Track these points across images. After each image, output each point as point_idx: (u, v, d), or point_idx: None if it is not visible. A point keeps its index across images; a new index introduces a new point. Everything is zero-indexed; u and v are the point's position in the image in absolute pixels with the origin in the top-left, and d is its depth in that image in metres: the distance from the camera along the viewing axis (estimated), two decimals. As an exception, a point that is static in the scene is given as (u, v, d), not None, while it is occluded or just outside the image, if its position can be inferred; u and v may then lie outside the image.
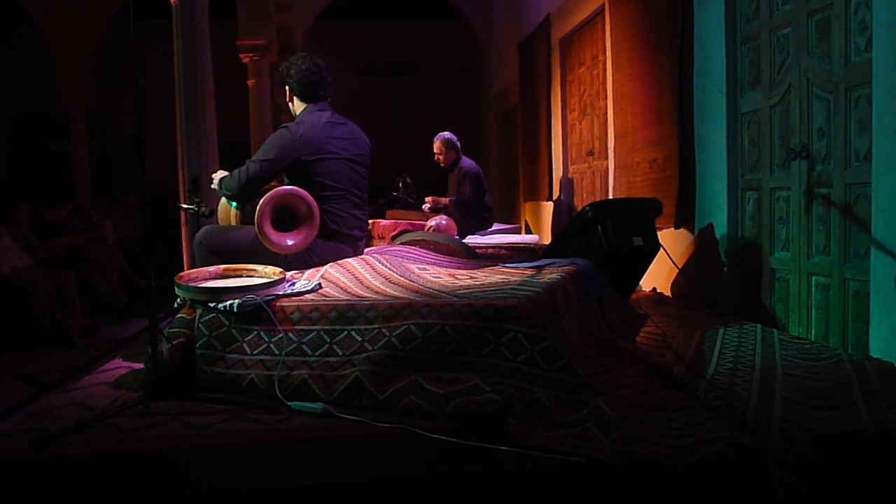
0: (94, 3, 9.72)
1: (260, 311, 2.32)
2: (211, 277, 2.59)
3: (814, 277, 3.02)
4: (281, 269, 2.58)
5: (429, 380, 2.04)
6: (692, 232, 3.91)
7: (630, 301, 3.58)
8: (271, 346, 2.27)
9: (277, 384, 2.14)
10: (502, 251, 4.56)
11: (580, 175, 6.13)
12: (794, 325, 3.14)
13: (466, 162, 5.69)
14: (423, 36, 11.92)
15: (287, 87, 3.13)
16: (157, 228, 7.85)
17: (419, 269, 2.94)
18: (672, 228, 4.00)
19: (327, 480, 1.62)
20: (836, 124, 2.82)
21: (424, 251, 3.32)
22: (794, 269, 3.14)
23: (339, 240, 2.98)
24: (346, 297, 2.41)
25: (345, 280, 2.62)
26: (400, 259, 2.98)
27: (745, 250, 3.54)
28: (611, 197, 5.04)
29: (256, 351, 2.28)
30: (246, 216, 3.01)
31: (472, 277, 2.83)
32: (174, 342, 2.34)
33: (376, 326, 2.20)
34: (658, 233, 3.63)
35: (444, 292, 2.44)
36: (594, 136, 5.71)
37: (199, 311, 2.40)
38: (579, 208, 5.22)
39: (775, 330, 3.02)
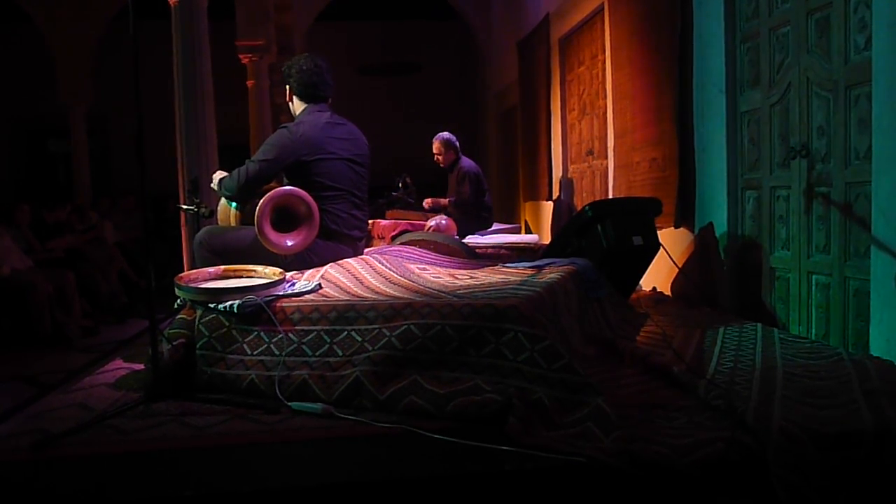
0: (93, 4, 9.72)
1: (260, 311, 2.32)
2: (211, 278, 2.59)
3: (814, 276, 3.02)
4: (281, 270, 2.58)
5: (429, 380, 2.04)
6: (692, 231, 3.91)
7: (630, 300, 3.58)
8: (271, 346, 2.27)
9: (278, 384, 2.14)
10: (502, 251, 4.55)
11: (580, 175, 6.13)
12: (795, 324, 3.14)
13: (466, 162, 5.69)
14: (422, 36, 11.92)
15: (287, 87, 3.13)
16: (156, 229, 7.85)
17: (419, 269, 2.94)
18: (672, 228, 4.00)
19: (328, 480, 1.62)
20: (835, 123, 2.82)
21: (424, 251, 3.32)
22: (794, 268, 3.14)
23: (339, 240, 2.98)
24: (346, 298, 2.41)
25: (345, 280, 2.62)
26: (400, 259, 2.98)
27: (745, 249, 3.54)
28: (610, 196, 5.04)
29: (257, 351, 2.28)
30: (246, 217, 3.01)
31: (472, 277, 2.83)
32: (174, 343, 2.34)
33: (376, 326, 2.20)
34: (658, 232, 3.63)
35: (444, 292, 2.44)
36: (594, 136, 5.71)
37: (199, 312, 2.40)
38: (579, 208, 5.22)
39: (776, 329, 3.02)
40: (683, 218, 3.96)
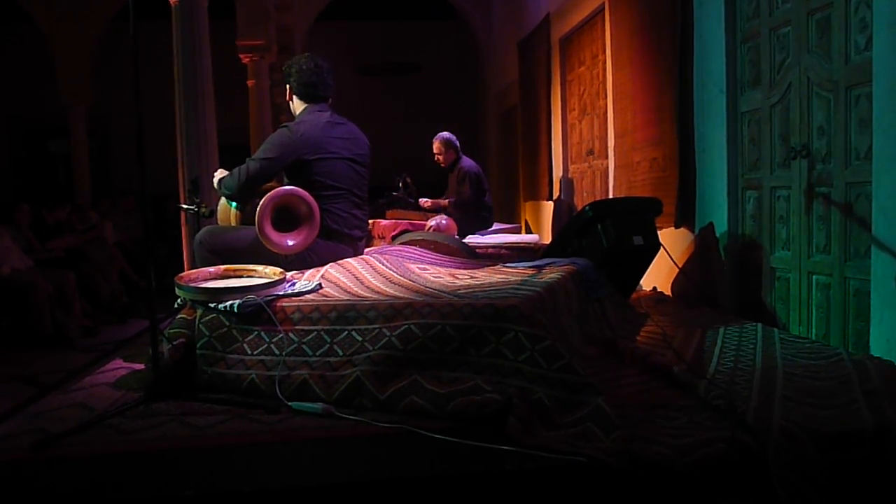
0: (93, 4, 9.72)
1: (260, 311, 2.32)
2: (211, 278, 2.59)
3: (814, 276, 3.02)
4: (281, 270, 2.58)
5: (429, 379, 2.04)
6: (692, 231, 3.91)
7: (630, 300, 3.57)
8: (272, 346, 2.27)
9: (278, 384, 2.14)
10: (502, 251, 4.56)
11: (580, 174, 6.13)
12: (795, 324, 3.14)
13: (466, 162, 5.69)
14: (422, 36, 11.92)
15: (287, 87, 3.13)
16: (156, 229, 7.85)
17: (419, 268, 2.94)
18: (672, 227, 4.00)
19: (328, 480, 1.62)
20: (836, 123, 2.82)
21: (425, 251, 3.32)
22: (794, 268, 3.14)
23: (340, 240, 2.98)
24: (346, 298, 2.41)
25: (345, 280, 2.62)
26: (400, 259, 2.98)
27: (746, 249, 3.54)
28: (611, 196, 5.04)
29: (257, 351, 2.28)
30: (246, 216, 3.01)
31: (472, 277, 2.83)
32: (175, 343, 2.34)
33: (377, 326, 2.20)
34: (658, 232, 3.63)
35: (444, 292, 2.44)
36: (594, 136, 5.71)
37: (199, 312, 2.39)
38: (579, 208, 5.22)
39: (776, 329, 3.02)
40: (684, 218, 3.96)
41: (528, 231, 7.49)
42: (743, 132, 3.53)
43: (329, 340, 2.23)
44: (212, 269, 2.65)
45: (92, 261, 6.57)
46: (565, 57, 6.34)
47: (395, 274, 2.74)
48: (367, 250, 3.15)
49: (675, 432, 1.75)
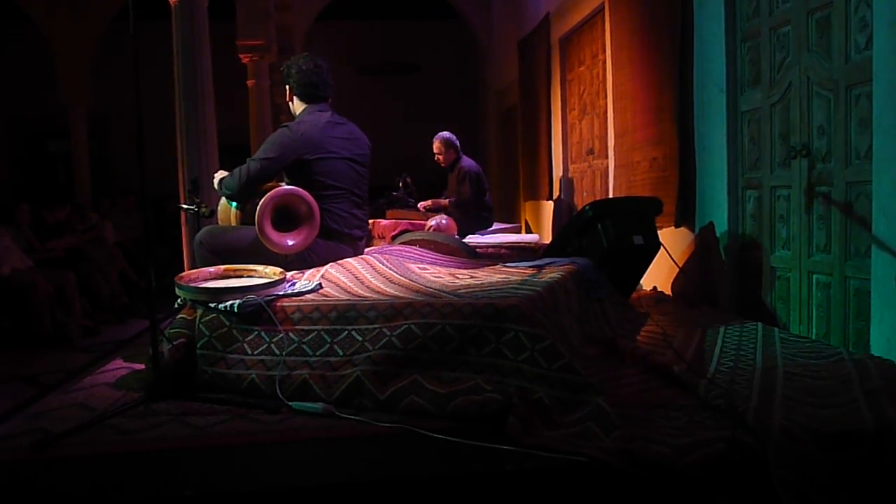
0: (93, 4, 9.72)
1: (260, 311, 2.32)
2: (211, 278, 2.59)
3: (814, 276, 3.02)
4: (281, 270, 2.58)
5: (429, 379, 2.04)
6: (692, 231, 3.91)
7: (630, 300, 3.57)
8: (272, 346, 2.27)
9: (278, 384, 2.14)
10: (503, 250, 4.56)
11: (580, 174, 6.12)
12: (795, 323, 3.14)
13: (466, 161, 5.69)
14: (422, 36, 11.92)
15: (287, 87, 3.13)
16: (156, 229, 7.85)
17: (420, 268, 2.94)
18: (672, 227, 4.00)
19: (328, 480, 1.62)
20: (836, 122, 2.82)
21: (425, 251, 3.32)
22: (794, 267, 3.14)
23: (340, 239, 2.98)
24: (346, 297, 2.41)
25: (345, 280, 2.62)
26: (400, 259, 2.98)
27: (746, 249, 3.53)
28: (611, 196, 5.04)
29: (257, 351, 2.28)
30: (246, 216, 3.01)
31: (472, 277, 2.83)
32: (175, 343, 2.34)
33: (377, 326, 2.20)
34: (658, 231, 3.63)
35: (444, 292, 2.44)
36: (594, 135, 5.71)
37: (199, 312, 2.39)
38: (579, 207, 5.21)
39: (776, 328, 3.02)
40: (684, 217, 3.96)
41: (528, 231, 7.49)
42: (743, 132, 3.53)
43: (329, 340, 2.23)
44: (212, 269, 2.65)
45: (92, 261, 6.57)
46: (565, 56, 6.34)
47: (395, 274, 2.74)
48: (367, 250, 3.15)
49: (676, 432, 1.75)
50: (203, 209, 2.98)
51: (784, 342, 2.72)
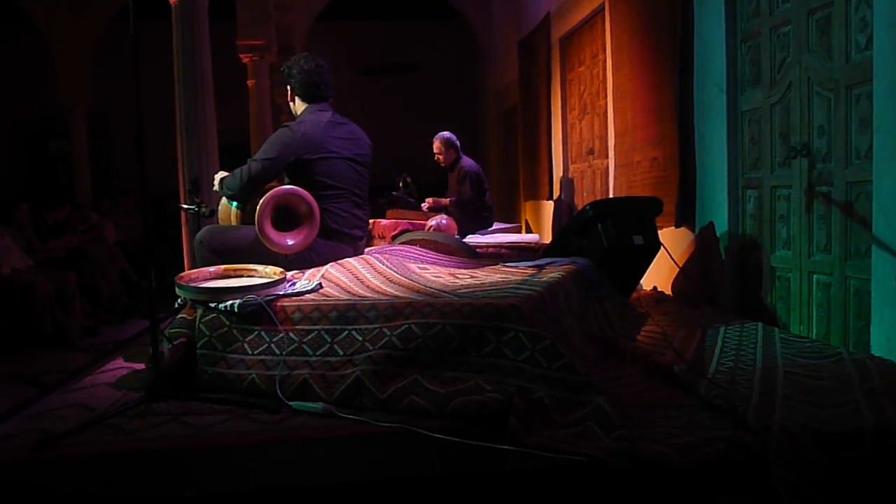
0: (93, 4, 9.72)
1: (261, 311, 2.32)
2: (212, 277, 2.60)
3: (815, 276, 3.02)
4: (281, 269, 2.58)
5: (430, 379, 2.04)
6: (693, 230, 3.90)
7: (631, 300, 3.57)
8: (272, 346, 2.27)
9: (278, 384, 2.14)
10: (503, 250, 4.56)
11: (580, 174, 6.12)
12: (796, 323, 3.14)
13: (466, 161, 5.69)
14: (422, 36, 11.92)
15: (288, 87, 3.14)
16: (156, 229, 7.85)
17: (420, 268, 2.94)
18: (672, 227, 4.00)
19: (328, 480, 1.62)
20: (836, 122, 2.82)
21: (425, 250, 3.32)
22: (794, 267, 3.14)
23: (340, 239, 2.98)
24: (346, 297, 2.41)
25: (345, 280, 2.62)
26: (400, 258, 2.98)
27: (746, 249, 3.53)
28: (611, 196, 5.04)
29: (257, 351, 2.28)
30: (246, 216, 3.01)
31: (472, 277, 2.83)
32: (175, 342, 2.34)
33: (377, 326, 2.20)
34: (658, 231, 3.63)
35: (444, 291, 2.44)
36: (594, 135, 5.71)
37: (199, 312, 2.39)
38: (580, 207, 5.22)
39: (776, 328, 3.02)
40: (684, 217, 3.95)
41: (529, 231, 7.49)
42: (743, 131, 3.53)
43: (329, 340, 2.23)
44: (212, 268, 2.65)
45: (92, 261, 6.57)
46: (565, 56, 6.33)
47: (395, 273, 2.74)
48: (367, 250, 3.15)
49: (676, 432, 1.75)
50: (203, 209, 2.98)
51: (784, 342, 2.72)
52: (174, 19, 4.80)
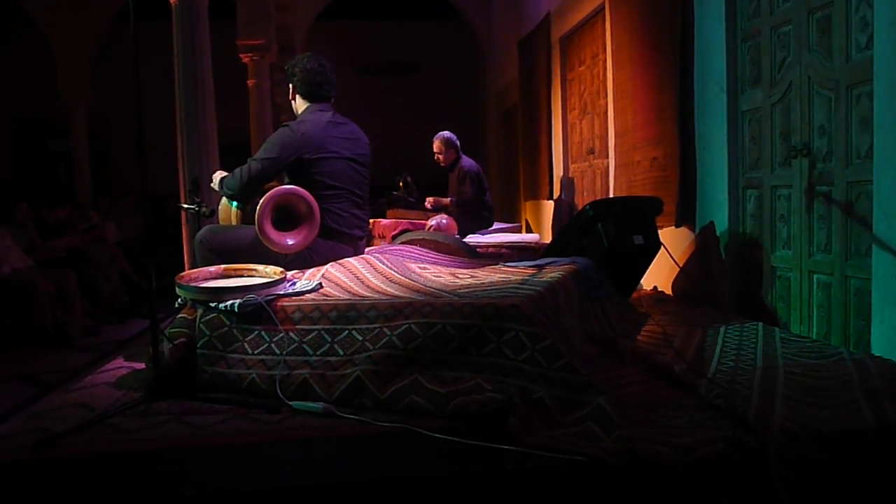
0: (94, 4, 9.72)
1: (261, 310, 2.32)
2: (212, 277, 2.59)
3: (815, 275, 3.02)
4: (282, 269, 2.58)
5: (430, 379, 2.04)
6: (693, 230, 3.90)
7: (631, 300, 3.57)
8: (272, 345, 2.27)
9: (278, 384, 2.14)
10: (503, 250, 4.56)
11: (581, 174, 6.12)
12: (796, 323, 3.14)
13: (466, 161, 5.69)
14: (422, 35, 11.92)
15: (290, 85, 3.14)
16: (156, 228, 7.85)
17: (420, 268, 2.94)
18: (673, 227, 4.00)
19: (328, 480, 1.61)
20: (837, 122, 2.82)
21: (425, 250, 3.32)
22: (795, 267, 3.14)
23: (340, 239, 2.98)
24: (347, 297, 2.41)
25: (346, 279, 2.62)
26: (401, 258, 2.98)
27: (747, 248, 3.53)
28: (611, 195, 5.04)
29: (257, 351, 2.28)
30: (246, 216, 3.01)
31: (472, 276, 2.83)
32: (175, 342, 2.34)
33: (377, 326, 2.20)
34: (659, 231, 3.62)
35: (445, 291, 2.44)
36: (594, 135, 5.71)
37: (199, 311, 2.39)
38: (580, 207, 5.21)
39: (777, 328, 3.02)
40: (684, 217, 3.95)
41: (529, 230, 7.49)
42: (744, 131, 3.53)
43: (329, 340, 2.23)
44: (212, 268, 2.65)
45: (93, 260, 6.57)
46: (566, 56, 6.33)
47: (395, 273, 2.74)
48: (367, 250, 3.15)
49: (676, 432, 1.75)
50: (203, 209, 2.98)
51: (784, 342, 2.72)
52: (174, 19, 4.80)
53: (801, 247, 3.09)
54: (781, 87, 3.20)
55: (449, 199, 5.65)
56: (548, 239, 5.83)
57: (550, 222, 6.70)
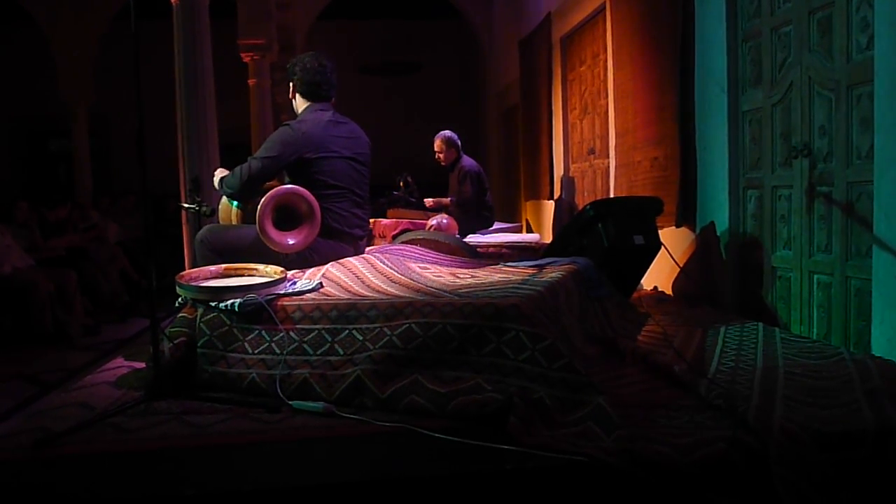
0: (94, 3, 9.72)
1: (261, 310, 2.32)
2: (212, 277, 2.60)
3: (815, 276, 3.02)
4: (282, 269, 2.58)
5: (430, 379, 2.04)
6: (693, 230, 3.90)
7: (631, 300, 3.57)
8: (272, 345, 2.27)
9: (279, 383, 2.14)
10: (503, 250, 4.56)
11: (581, 174, 6.12)
12: (796, 323, 3.14)
13: (467, 161, 5.69)
14: (423, 35, 11.92)
15: (291, 84, 3.14)
16: (157, 228, 7.85)
17: (420, 267, 2.94)
18: (673, 227, 4.00)
19: (328, 480, 1.62)
20: (837, 122, 2.82)
21: (426, 250, 3.32)
22: (795, 267, 3.14)
23: (340, 239, 2.98)
24: (347, 297, 2.41)
25: (346, 279, 2.62)
26: (401, 258, 2.98)
27: (747, 248, 3.53)
28: (612, 195, 5.04)
29: (258, 350, 2.28)
30: (247, 215, 3.01)
31: (473, 276, 2.83)
32: (175, 341, 2.34)
33: (377, 325, 2.20)
34: (659, 231, 3.62)
35: (445, 291, 2.44)
36: (595, 135, 5.71)
37: (200, 311, 2.39)
38: (580, 207, 5.22)
39: (777, 328, 3.02)
40: (685, 217, 3.95)
41: (529, 230, 7.49)
42: (744, 131, 3.53)
43: (330, 339, 2.23)
44: (213, 267, 2.65)
45: (93, 260, 6.57)
46: (566, 56, 6.33)
47: (395, 273, 2.74)
48: (367, 249, 3.15)
49: (676, 432, 1.75)
50: (204, 208, 2.98)
51: (785, 342, 2.72)
52: (175, 18, 4.80)
53: (801, 247, 3.09)
54: (782, 87, 3.19)
55: (449, 199, 5.65)
56: (548, 239, 5.83)
57: (551, 222, 6.70)
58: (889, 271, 2.48)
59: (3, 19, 10.47)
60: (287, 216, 2.77)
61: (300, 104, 3.12)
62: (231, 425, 1.95)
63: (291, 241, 2.76)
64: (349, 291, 2.49)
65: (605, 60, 5.19)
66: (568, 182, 6.42)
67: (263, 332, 2.30)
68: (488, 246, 4.62)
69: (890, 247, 2.48)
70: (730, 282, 3.61)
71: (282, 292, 2.41)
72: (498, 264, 3.19)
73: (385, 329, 2.17)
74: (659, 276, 4.03)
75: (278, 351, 2.24)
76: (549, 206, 6.81)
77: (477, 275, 2.86)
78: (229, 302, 2.34)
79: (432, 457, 1.70)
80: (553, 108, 6.64)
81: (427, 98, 11.80)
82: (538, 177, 7.14)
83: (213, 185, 3.14)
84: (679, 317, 3.29)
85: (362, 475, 1.64)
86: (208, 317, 2.37)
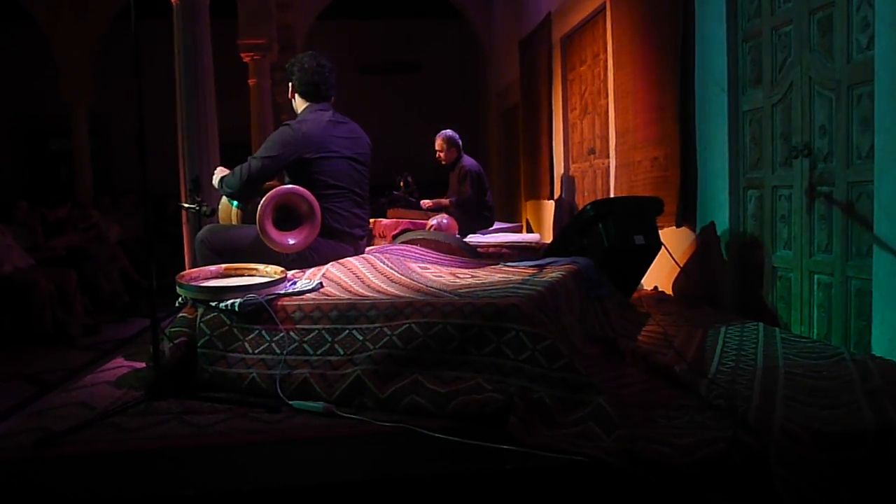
0: (95, 3, 9.71)
1: (261, 310, 2.32)
2: (212, 276, 2.60)
3: (816, 276, 3.01)
4: (282, 269, 2.58)
5: (430, 379, 2.04)
6: (694, 230, 3.90)
7: (631, 300, 3.57)
8: (273, 345, 2.27)
9: (279, 383, 2.14)
10: (504, 250, 4.56)
11: (581, 173, 6.12)
12: (797, 323, 3.14)
13: (467, 161, 5.69)
14: (423, 35, 11.92)
15: (290, 84, 3.14)
16: (157, 228, 7.85)
17: (420, 267, 2.94)
18: (673, 227, 4.00)
19: (328, 480, 1.62)
20: (838, 122, 2.82)
21: (426, 250, 3.31)
22: (796, 267, 3.14)
23: (341, 238, 2.98)
24: (347, 296, 2.41)
25: (346, 279, 2.62)
26: (401, 258, 2.98)
27: (747, 248, 3.53)
28: (612, 195, 5.04)
29: (258, 350, 2.28)
30: (247, 215, 3.01)
31: (473, 276, 2.83)
32: (176, 341, 2.34)
33: (378, 325, 2.20)
34: (659, 231, 3.62)
35: (445, 291, 2.44)
36: (595, 135, 5.71)
37: (200, 311, 2.39)
38: (580, 207, 5.21)
39: (777, 328, 3.02)
40: (685, 217, 3.95)
41: (530, 230, 7.49)
42: (744, 131, 3.53)
43: (330, 339, 2.23)
44: (213, 267, 2.65)
45: (93, 259, 6.57)
46: (566, 56, 6.33)
47: (396, 273, 2.74)
48: (368, 249, 3.15)
49: (677, 432, 1.75)
50: (204, 208, 2.98)
51: (785, 342, 2.72)
52: (175, 18, 4.80)
53: (801, 247, 3.09)
54: (782, 87, 3.19)
55: (448, 199, 5.64)
56: (548, 239, 5.83)
57: (551, 222, 6.70)
58: (889, 271, 2.48)
59: (3, 19, 10.47)
60: (287, 216, 2.77)
61: (299, 104, 3.12)
62: (231, 425, 1.95)
63: (292, 241, 2.76)
64: (349, 291, 2.49)
65: (606, 60, 5.19)
66: (568, 182, 6.42)
67: (263, 332, 2.30)
68: (488, 246, 4.62)
69: (890, 247, 2.48)
70: (730, 282, 3.61)
71: (282, 292, 2.41)
72: (498, 264, 3.19)
73: (385, 329, 2.17)
74: (659, 276, 4.03)
75: (278, 351, 2.24)
76: (550, 206, 6.81)
77: (477, 275, 2.86)
78: (229, 302, 2.34)
79: (432, 457, 1.70)
80: (553, 107, 6.64)
81: (427, 98, 11.79)
82: (538, 177, 7.14)
83: (213, 185, 3.14)
84: (679, 317, 3.29)
85: (362, 475, 1.64)
86: (208, 317, 2.37)
